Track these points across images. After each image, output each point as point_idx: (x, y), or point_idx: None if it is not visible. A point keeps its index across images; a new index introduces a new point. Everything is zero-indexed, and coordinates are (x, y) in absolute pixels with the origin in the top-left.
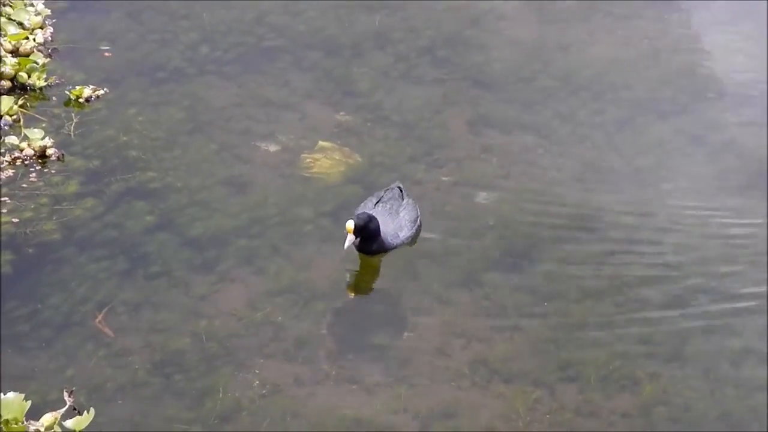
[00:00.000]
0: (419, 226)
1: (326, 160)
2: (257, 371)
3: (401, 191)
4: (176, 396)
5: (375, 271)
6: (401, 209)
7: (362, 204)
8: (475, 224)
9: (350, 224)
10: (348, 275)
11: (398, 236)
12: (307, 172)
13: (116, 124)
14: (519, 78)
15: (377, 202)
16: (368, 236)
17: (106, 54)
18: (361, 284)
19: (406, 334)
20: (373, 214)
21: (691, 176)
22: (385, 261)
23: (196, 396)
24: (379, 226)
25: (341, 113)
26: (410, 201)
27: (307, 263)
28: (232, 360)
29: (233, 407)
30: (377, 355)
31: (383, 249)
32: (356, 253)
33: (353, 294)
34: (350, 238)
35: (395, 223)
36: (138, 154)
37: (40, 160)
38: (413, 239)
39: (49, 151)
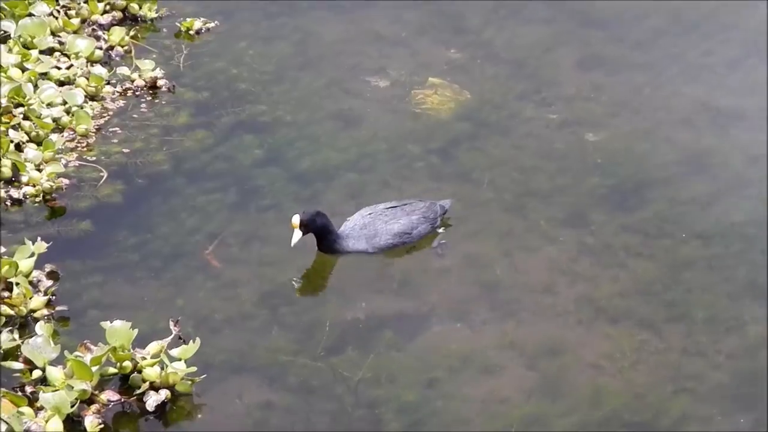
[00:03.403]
0: (408, 243)
1: (437, 97)
2: (364, 305)
3: (432, 208)
4: (283, 328)
5: (482, 209)
6: (396, 220)
7: (387, 202)
8: (583, 163)
9: (296, 219)
10: None
11: (369, 242)
12: (417, 108)
13: (226, 57)
14: (629, 17)
15: (398, 206)
16: (318, 233)
17: None
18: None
19: (512, 271)
20: (371, 213)
21: None
22: (495, 198)
23: (303, 328)
24: (326, 224)
25: (452, 50)
26: (416, 219)
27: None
28: (339, 294)
29: (339, 340)
30: (484, 292)
31: (345, 250)
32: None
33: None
34: (297, 234)
35: (376, 228)
36: (248, 88)
37: (150, 91)
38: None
39: (160, 83)
